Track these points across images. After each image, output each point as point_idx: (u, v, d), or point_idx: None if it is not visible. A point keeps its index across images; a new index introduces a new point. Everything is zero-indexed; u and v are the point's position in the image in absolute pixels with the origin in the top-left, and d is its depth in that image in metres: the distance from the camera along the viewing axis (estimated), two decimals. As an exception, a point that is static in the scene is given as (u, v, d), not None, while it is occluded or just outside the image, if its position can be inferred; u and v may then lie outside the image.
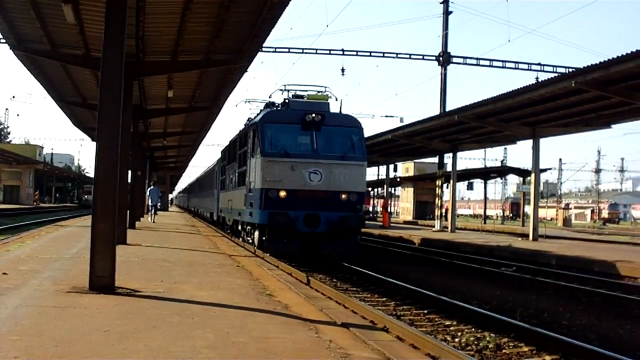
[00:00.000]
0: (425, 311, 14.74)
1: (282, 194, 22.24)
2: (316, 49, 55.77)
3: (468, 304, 14.72)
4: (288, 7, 19.56)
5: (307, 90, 25.70)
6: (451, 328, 13.02)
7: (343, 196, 22.62)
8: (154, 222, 43.78)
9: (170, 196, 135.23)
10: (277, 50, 51.59)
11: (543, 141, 36.80)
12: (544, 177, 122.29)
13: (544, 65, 53.83)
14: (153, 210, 46.50)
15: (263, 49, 29.87)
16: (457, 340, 11.85)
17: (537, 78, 49.86)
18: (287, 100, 24.79)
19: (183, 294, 11.77)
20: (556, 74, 39.01)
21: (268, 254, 22.02)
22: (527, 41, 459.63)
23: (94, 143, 12.31)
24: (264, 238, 22.76)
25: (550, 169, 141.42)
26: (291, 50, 52.03)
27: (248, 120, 28.83)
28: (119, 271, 12.21)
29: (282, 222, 21.91)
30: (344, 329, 9.50)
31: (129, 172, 30.76)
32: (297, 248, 22.43)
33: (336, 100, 27.45)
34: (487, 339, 11.83)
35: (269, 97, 27.09)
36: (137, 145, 38.28)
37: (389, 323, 10.93)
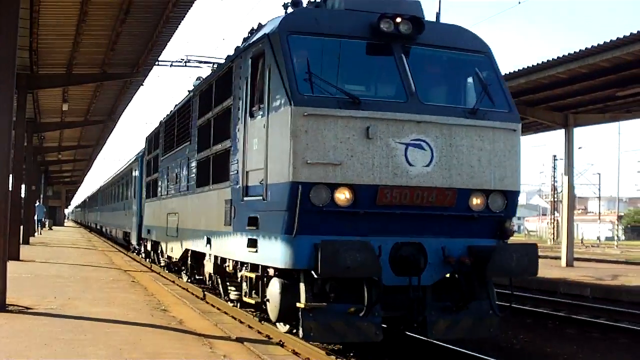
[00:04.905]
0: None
1: (344, 195, 9.95)
2: (213, 63, 55.58)
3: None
4: (184, 21, 19.59)
5: None
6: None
7: (476, 201, 10.70)
8: (40, 233, 48.07)
9: (67, 211, 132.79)
10: (173, 64, 51.22)
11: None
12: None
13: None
14: (39, 225, 50.13)
15: (159, 63, 29.60)
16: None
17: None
18: None
19: (76, 311, 11.61)
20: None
21: (305, 339, 9.99)
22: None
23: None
24: (297, 304, 9.82)
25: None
26: (187, 64, 51.72)
27: (191, 89, 17.27)
28: (11, 288, 11.96)
29: (353, 265, 9.32)
30: (239, 344, 9.54)
31: (23, 186, 30.14)
32: (376, 326, 10.04)
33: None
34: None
35: None
36: (31, 159, 37.54)
37: (285, 337, 10.98)
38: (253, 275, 11.44)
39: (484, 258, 10.26)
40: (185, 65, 51.31)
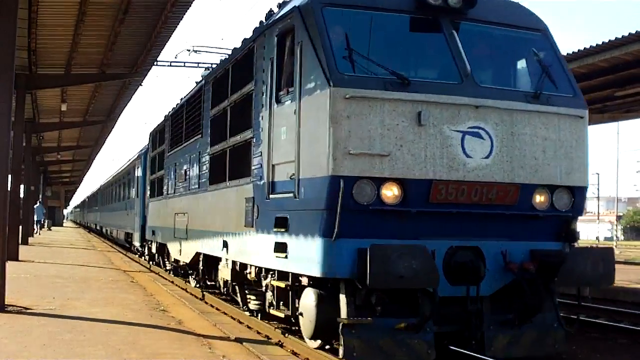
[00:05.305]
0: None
1: (393, 192, 8.72)
2: (211, 64, 55.56)
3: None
4: (182, 21, 19.61)
5: None
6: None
7: (540, 198, 9.53)
8: (39, 234, 48.37)
9: (65, 211, 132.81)
10: (172, 64, 51.20)
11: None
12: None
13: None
14: (38, 226, 50.54)
15: (158, 63, 29.71)
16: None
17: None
18: None
19: (75, 311, 11.59)
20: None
21: None
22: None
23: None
24: (338, 319, 8.59)
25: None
26: (186, 64, 51.67)
27: (201, 78, 15.83)
28: (10, 288, 11.96)
29: (408, 274, 8.07)
30: (238, 344, 9.50)
31: (22, 186, 30.14)
32: (428, 344, 8.76)
33: None
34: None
35: None
36: (30, 159, 37.57)
37: (284, 338, 10.96)
38: (282, 284, 9.99)
39: (550, 263, 9.15)
40: (184, 66, 51.09)
